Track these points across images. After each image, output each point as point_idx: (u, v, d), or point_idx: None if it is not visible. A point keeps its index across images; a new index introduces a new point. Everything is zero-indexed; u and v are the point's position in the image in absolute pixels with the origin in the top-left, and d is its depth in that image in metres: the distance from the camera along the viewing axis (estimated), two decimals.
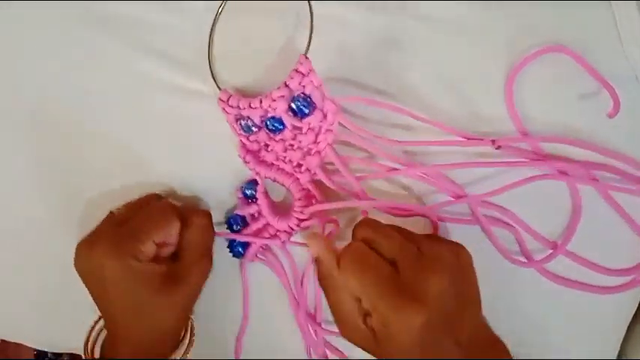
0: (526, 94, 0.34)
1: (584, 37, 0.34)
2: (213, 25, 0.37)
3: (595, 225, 0.35)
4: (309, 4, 0.34)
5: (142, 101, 0.38)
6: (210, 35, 0.37)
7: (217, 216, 0.38)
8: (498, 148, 0.34)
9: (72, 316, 0.41)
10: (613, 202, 0.34)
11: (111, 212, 0.36)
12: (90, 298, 0.40)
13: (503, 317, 0.37)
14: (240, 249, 0.38)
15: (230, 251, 0.38)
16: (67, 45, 0.38)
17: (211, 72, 0.36)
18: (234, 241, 0.38)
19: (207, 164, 0.38)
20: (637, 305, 0.37)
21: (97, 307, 0.36)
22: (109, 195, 0.39)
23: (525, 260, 0.35)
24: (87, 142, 0.39)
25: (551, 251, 0.35)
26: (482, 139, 0.34)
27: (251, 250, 0.38)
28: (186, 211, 0.36)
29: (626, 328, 0.37)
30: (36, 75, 0.39)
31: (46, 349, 0.43)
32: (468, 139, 0.34)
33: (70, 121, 0.39)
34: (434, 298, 0.28)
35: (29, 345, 0.43)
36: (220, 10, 0.36)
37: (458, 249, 0.31)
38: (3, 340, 0.44)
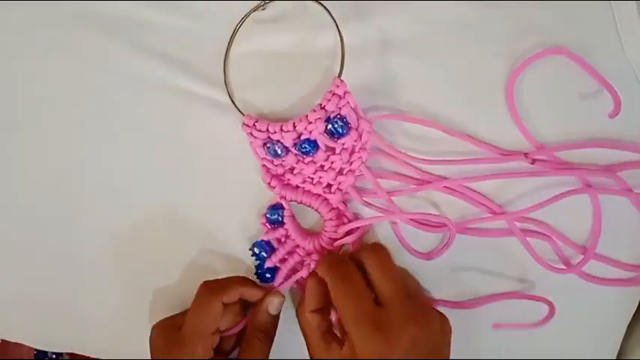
0: (527, 96, 0.34)
1: (584, 37, 0.34)
2: (228, 47, 0.36)
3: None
4: (337, 28, 0.34)
5: (142, 104, 0.38)
6: (225, 59, 0.36)
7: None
8: (533, 162, 0.34)
9: (72, 316, 0.41)
10: None
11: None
12: (89, 298, 0.40)
13: (504, 318, 0.37)
14: (269, 275, 0.37)
15: (258, 278, 0.37)
16: (67, 45, 0.38)
17: (230, 97, 0.36)
18: (261, 268, 0.37)
19: (206, 175, 0.38)
20: (637, 305, 0.37)
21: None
22: (110, 195, 0.39)
23: (564, 267, 0.35)
24: (87, 143, 0.39)
25: (582, 256, 0.35)
26: (515, 154, 0.34)
27: (281, 274, 0.36)
28: (230, 287, 0.35)
29: (625, 328, 0.37)
30: (35, 75, 0.39)
31: (46, 349, 0.43)
32: (502, 154, 0.34)
33: (69, 121, 0.39)
34: (405, 344, 0.29)
35: (29, 345, 0.43)
36: (236, 30, 0.36)
37: (444, 319, 0.32)
38: (3, 340, 0.44)
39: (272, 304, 0.35)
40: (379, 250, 0.33)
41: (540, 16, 0.34)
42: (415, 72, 0.35)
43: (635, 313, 0.37)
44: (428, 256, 0.36)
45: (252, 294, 0.36)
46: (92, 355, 0.42)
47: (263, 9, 0.36)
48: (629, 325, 0.37)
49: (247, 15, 0.36)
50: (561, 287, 0.36)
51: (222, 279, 0.36)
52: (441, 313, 0.33)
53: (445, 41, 0.35)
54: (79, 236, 0.39)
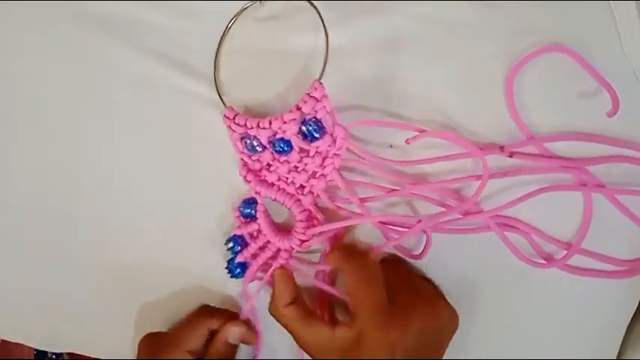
0: (526, 94, 0.34)
1: (584, 37, 0.34)
2: (220, 42, 0.36)
3: (598, 220, 0.35)
4: (325, 30, 0.34)
5: (142, 104, 0.38)
6: (217, 52, 0.36)
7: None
8: (511, 156, 0.34)
9: (72, 316, 0.41)
10: (619, 204, 0.34)
11: None
12: (89, 298, 0.40)
13: (504, 318, 0.37)
14: (239, 270, 0.37)
15: (228, 272, 0.37)
16: (67, 45, 0.38)
17: (217, 88, 0.36)
18: (232, 262, 0.37)
19: (205, 175, 0.38)
20: (637, 305, 0.37)
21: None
22: (109, 195, 0.39)
23: (545, 262, 0.35)
24: (87, 143, 0.39)
25: (566, 251, 0.35)
26: (490, 148, 0.34)
27: (251, 270, 0.37)
28: (222, 317, 0.37)
29: (625, 327, 0.37)
30: (34, 75, 0.39)
31: (46, 349, 0.43)
32: (481, 148, 0.34)
33: (69, 121, 0.39)
34: (411, 336, 0.30)
35: (29, 345, 0.43)
36: (228, 27, 0.36)
37: (454, 315, 0.33)
38: (3, 340, 0.44)
39: (232, 334, 0.37)
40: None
41: (540, 16, 0.34)
42: (414, 72, 0.35)
43: (634, 313, 0.37)
44: (414, 256, 0.36)
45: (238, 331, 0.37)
46: (92, 355, 0.42)
47: (260, 3, 0.36)
48: (629, 325, 0.37)
49: (240, 12, 0.36)
50: (561, 287, 0.36)
51: (219, 309, 0.39)
52: (452, 309, 0.33)
53: (444, 41, 0.35)
54: (78, 236, 0.39)
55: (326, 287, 0.36)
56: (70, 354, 0.44)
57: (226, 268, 0.37)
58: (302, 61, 0.36)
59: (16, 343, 0.43)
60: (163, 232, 0.39)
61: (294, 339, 0.33)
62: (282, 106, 0.36)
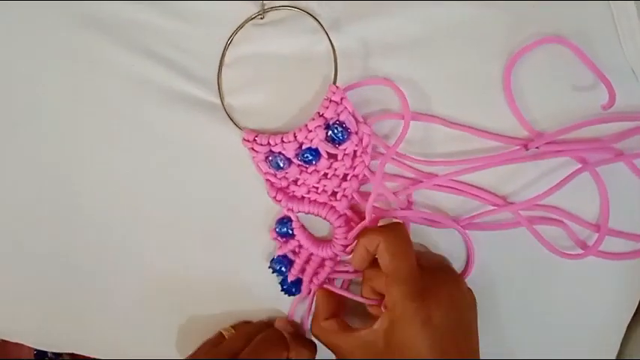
0: (525, 91, 0.34)
1: (583, 34, 0.34)
2: (222, 60, 0.36)
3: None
4: (328, 36, 0.34)
5: (142, 111, 0.38)
6: (219, 73, 0.36)
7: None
8: (527, 149, 0.34)
9: (72, 316, 0.41)
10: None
11: (220, 333, 0.37)
12: (89, 298, 0.40)
13: (504, 317, 0.37)
14: (294, 288, 0.37)
15: (286, 293, 0.37)
16: (67, 47, 0.38)
17: (225, 111, 0.36)
18: (285, 283, 0.37)
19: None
20: (637, 305, 0.37)
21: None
22: (109, 198, 0.39)
23: (582, 251, 0.34)
24: (86, 145, 0.39)
25: (597, 234, 0.34)
26: (514, 147, 0.34)
27: (305, 285, 0.37)
28: (293, 342, 0.36)
29: (625, 328, 0.37)
30: (34, 77, 0.38)
31: (45, 350, 0.43)
32: (499, 137, 0.34)
33: (68, 123, 0.38)
34: (443, 306, 0.31)
35: (29, 345, 0.43)
36: (230, 40, 0.36)
37: (471, 292, 0.34)
38: (3, 340, 0.44)
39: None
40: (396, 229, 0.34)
41: (540, 16, 0.34)
42: (414, 73, 0.35)
43: (634, 313, 0.37)
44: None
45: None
46: (92, 355, 0.42)
47: (261, 18, 0.36)
48: (629, 326, 0.37)
49: (242, 25, 0.36)
50: (560, 287, 0.36)
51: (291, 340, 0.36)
52: (469, 288, 0.34)
53: (444, 42, 0.35)
54: (78, 238, 0.39)
55: (343, 292, 0.36)
56: (70, 354, 0.44)
57: (282, 290, 0.37)
58: (301, 65, 0.36)
59: (16, 343, 0.43)
60: (163, 236, 0.39)
61: (335, 353, 0.33)
62: (285, 111, 0.36)
